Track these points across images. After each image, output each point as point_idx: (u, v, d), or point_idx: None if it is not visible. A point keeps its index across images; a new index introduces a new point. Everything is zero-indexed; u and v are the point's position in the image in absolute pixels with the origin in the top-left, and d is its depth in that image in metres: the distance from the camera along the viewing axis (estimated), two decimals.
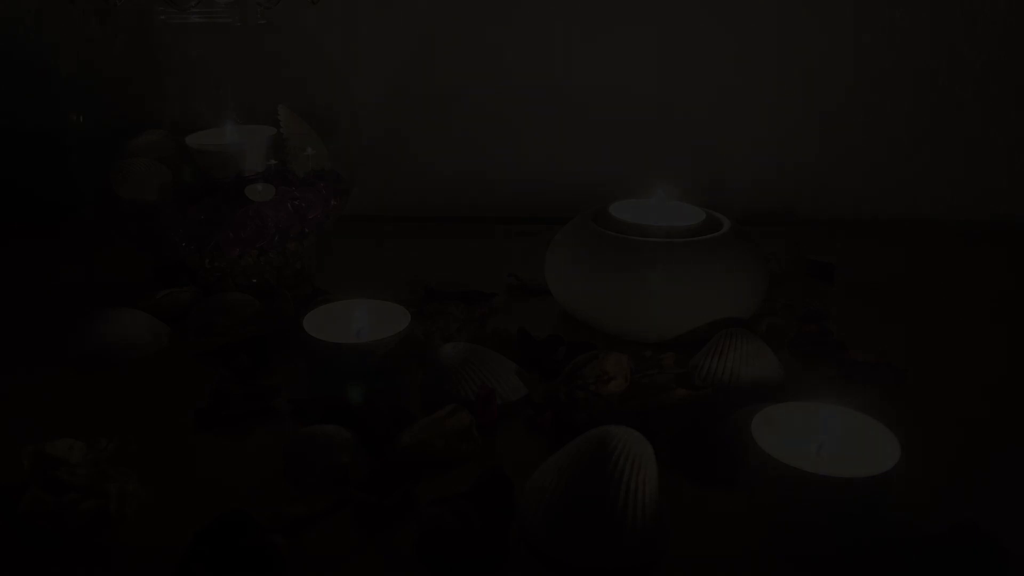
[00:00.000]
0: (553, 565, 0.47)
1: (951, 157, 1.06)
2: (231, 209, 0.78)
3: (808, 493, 0.47)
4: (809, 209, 1.08)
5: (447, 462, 0.56)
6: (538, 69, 1.04)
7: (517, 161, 1.08)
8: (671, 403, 0.60)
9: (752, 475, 0.51)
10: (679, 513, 0.50)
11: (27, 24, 0.98)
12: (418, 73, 1.04)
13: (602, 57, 1.03)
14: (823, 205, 1.08)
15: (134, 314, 0.73)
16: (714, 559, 0.48)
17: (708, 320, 0.69)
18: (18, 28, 0.99)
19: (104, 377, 0.68)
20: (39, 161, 1.00)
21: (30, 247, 0.99)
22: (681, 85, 1.04)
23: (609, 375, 0.61)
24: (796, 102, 1.04)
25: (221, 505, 0.47)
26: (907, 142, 1.06)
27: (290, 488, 0.53)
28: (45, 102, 0.99)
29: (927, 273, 0.92)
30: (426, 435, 0.56)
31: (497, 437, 0.59)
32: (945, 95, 1.03)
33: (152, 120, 0.83)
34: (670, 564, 0.47)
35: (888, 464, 0.47)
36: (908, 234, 1.03)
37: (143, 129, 0.82)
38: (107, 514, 0.49)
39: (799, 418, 0.53)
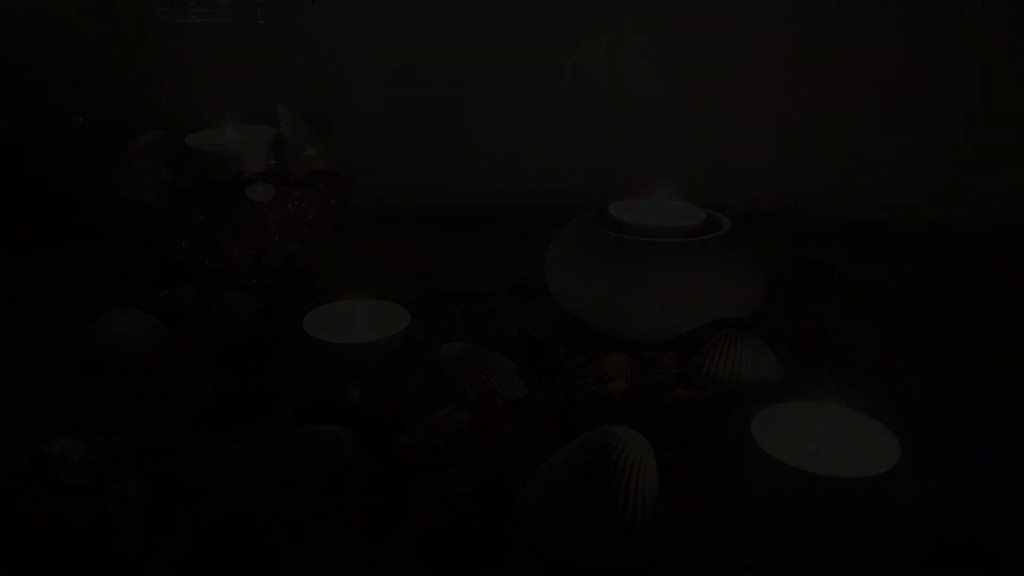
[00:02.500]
0: (553, 565, 0.47)
1: (951, 158, 1.06)
2: (231, 209, 0.78)
3: (808, 493, 0.47)
4: (809, 209, 1.08)
5: (447, 462, 0.56)
6: (539, 68, 1.04)
7: (517, 161, 1.08)
8: (671, 403, 0.60)
9: (752, 475, 0.51)
10: (679, 513, 0.50)
11: (27, 24, 0.98)
12: (418, 73, 1.04)
13: (603, 56, 1.03)
14: (823, 205, 1.08)
15: (134, 314, 0.73)
16: (714, 559, 0.48)
17: (708, 320, 0.69)
18: (18, 28, 0.99)
19: (104, 377, 0.68)
20: (39, 161, 1.00)
21: (30, 248, 0.99)
22: (682, 85, 1.04)
23: (609, 375, 0.61)
24: (797, 102, 1.04)
25: (221, 505, 0.47)
26: (908, 142, 1.06)
27: (290, 488, 0.53)
28: (45, 102, 0.99)
29: (927, 273, 0.92)
30: (426, 435, 0.56)
31: (497, 437, 0.59)
32: (946, 96, 1.03)
33: (152, 120, 0.83)
34: (670, 564, 0.47)
35: (888, 464, 0.47)
36: (908, 234, 1.03)
37: (143, 129, 0.82)
38: (107, 514, 0.49)
39: (799, 418, 0.53)
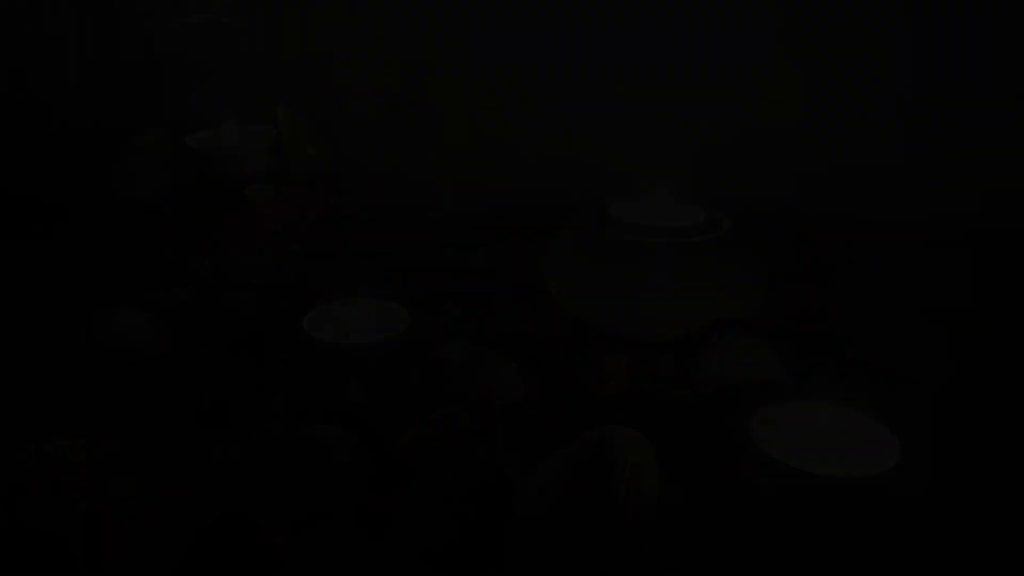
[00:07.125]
0: (552, 565, 0.47)
1: (951, 158, 1.06)
2: (231, 209, 0.78)
3: (808, 493, 0.47)
4: (809, 209, 1.08)
5: (447, 462, 0.56)
6: (537, 68, 1.04)
7: (517, 160, 1.08)
8: (671, 403, 0.60)
9: (752, 475, 0.51)
10: (679, 513, 0.50)
11: (27, 23, 0.98)
12: (417, 73, 1.04)
13: (602, 54, 1.03)
14: (823, 205, 1.08)
15: (134, 314, 0.73)
16: (714, 559, 0.48)
17: (708, 320, 0.69)
18: (18, 27, 0.99)
19: (104, 377, 0.68)
20: (39, 160, 1.00)
21: (30, 247, 0.98)
22: (682, 83, 1.04)
23: (609, 375, 0.61)
24: (798, 101, 1.04)
25: (221, 505, 0.47)
26: (908, 142, 1.05)
27: (290, 488, 0.53)
28: (45, 102, 0.99)
29: (927, 273, 0.92)
30: (426, 435, 0.56)
31: (497, 437, 0.59)
32: (945, 96, 1.03)
33: (152, 120, 0.83)
34: (670, 564, 0.47)
35: (888, 464, 0.47)
36: (908, 234, 1.03)
37: (143, 129, 0.82)
38: (107, 514, 0.49)
39: (799, 418, 0.53)
